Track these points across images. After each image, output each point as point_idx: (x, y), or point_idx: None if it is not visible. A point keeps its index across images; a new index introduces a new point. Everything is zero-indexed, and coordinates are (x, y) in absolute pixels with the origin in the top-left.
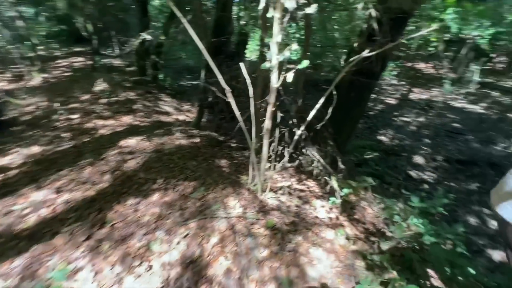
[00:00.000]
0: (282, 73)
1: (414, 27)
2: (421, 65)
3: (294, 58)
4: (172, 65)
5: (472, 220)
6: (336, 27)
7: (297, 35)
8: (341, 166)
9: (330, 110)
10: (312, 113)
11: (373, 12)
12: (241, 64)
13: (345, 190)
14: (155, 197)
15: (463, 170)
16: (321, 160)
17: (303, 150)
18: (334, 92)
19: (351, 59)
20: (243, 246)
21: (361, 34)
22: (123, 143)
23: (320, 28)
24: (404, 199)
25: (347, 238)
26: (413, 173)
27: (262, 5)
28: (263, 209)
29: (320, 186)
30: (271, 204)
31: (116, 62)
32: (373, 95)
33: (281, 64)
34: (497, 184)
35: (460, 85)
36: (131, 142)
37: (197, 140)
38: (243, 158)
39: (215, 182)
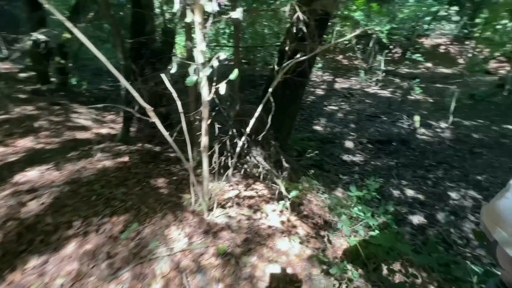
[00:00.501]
0: (213, 84)
1: (330, 23)
2: (340, 57)
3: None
4: (89, 66)
5: (395, 192)
6: (266, 26)
7: (227, 31)
8: (286, 165)
9: (270, 119)
10: (252, 122)
11: (300, 15)
12: (163, 76)
13: (293, 194)
14: (71, 247)
15: (383, 148)
16: (266, 164)
17: (247, 157)
18: (270, 89)
19: (284, 64)
20: (193, 287)
21: (288, 35)
22: (19, 178)
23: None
24: (343, 185)
25: (301, 242)
26: (346, 158)
27: (176, 6)
28: (212, 232)
29: (268, 188)
30: (220, 223)
31: (4, 67)
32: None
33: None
34: (490, 201)
35: (371, 74)
36: (32, 174)
37: (126, 158)
38: (185, 172)
39: (152, 211)
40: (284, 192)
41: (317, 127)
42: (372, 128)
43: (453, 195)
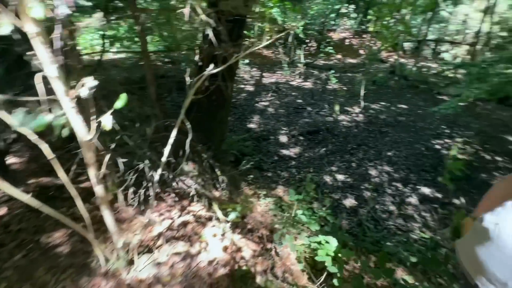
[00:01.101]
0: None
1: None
2: (265, 52)
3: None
4: None
5: (328, 179)
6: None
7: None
8: (223, 178)
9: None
10: (167, 150)
11: (204, 17)
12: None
13: (232, 216)
14: None
15: (313, 139)
16: (197, 185)
17: (176, 180)
18: (182, 112)
19: (198, 77)
20: None
21: (204, 40)
22: None
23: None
24: (283, 182)
25: (247, 270)
26: (282, 153)
27: None
28: None
29: (206, 207)
30: (146, 278)
31: None
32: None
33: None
34: (463, 239)
35: (293, 67)
36: None
37: (4, 210)
38: (97, 209)
39: None
40: (222, 217)
41: (252, 125)
42: (301, 120)
43: (373, 173)
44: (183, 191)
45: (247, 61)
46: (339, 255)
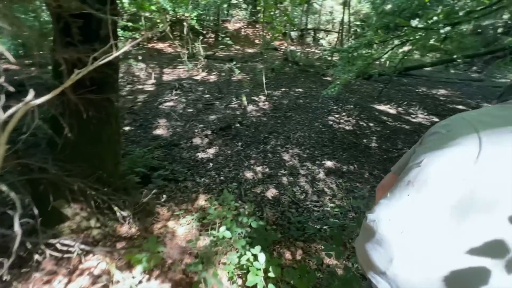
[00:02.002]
0: None
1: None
2: (160, 45)
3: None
4: None
5: (248, 175)
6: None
7: None
8: (122, 213)
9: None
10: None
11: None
12: None
13: (140, 269)
14: None
15: (227, 135)
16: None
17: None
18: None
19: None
20: None
21: (58, 39)
22: None
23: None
24: (204, 190)
25: None
26: (198, 157)
27: None
28: None
29: (104, 254)
30: None
31: None
32: (129, 86)
33: None
34: (357, 238)
35: (195, 61)
36: None
37: None
38: None
39: None
40: (123, 276)
41: (159, 131)
42: (212, 116)
43: (286, 157)
44: (66, 250)
45: (139, 57)
46: (270, 272)
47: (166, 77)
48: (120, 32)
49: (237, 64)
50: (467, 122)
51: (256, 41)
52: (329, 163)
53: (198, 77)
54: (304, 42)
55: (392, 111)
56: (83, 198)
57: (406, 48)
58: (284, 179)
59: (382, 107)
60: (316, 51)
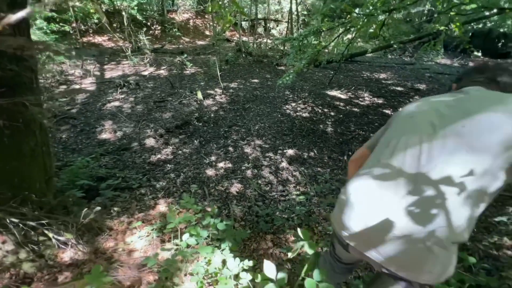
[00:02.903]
0: None
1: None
2: (99, 39)
3: None
4: None
5: (210, 173)
6: None
7: None
8: (58, 238)
9: None
10: None
11: None
12: None
13: None
14: None
15: (184, 132)
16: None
17: None
18: None
19: None
20: None
21: None
22: None
23: None
24: (164, 194)
25: None
26: (153, 160)
27: None
28: None
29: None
30: None
31: None
32: (63, 87)
33: None
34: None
35: (141, 55)
36: None
37: None
38: None
39: None
40: None
41: (105, 135)
42: (165, 114)
43: (248, 150)
44: None
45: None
46: (240, 278)
47: (108, 74)
48: (43, 24)
49: (188, 57)
50: (425, 113)
51: (207, 33)
52: (290, 152)
53: (146, 73)
54: (255, 32)
55: (343, 96)
56: (1, 229)
57: (350, 36)
58: (248, 173)
59: (333, 93)
60: (268, 41)
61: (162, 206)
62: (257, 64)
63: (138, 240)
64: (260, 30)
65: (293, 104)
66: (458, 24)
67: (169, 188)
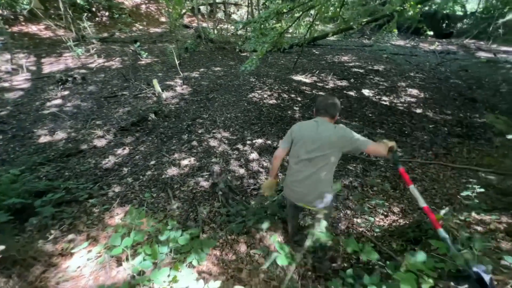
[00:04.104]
0: None
1: None
2: (33, 28)
3: None
4: None
5: (172, 172)
6: None
7: None
8: None
9: None
10: None
11: None
12: None
13: None
14: None
15: (141, 129)
16: None
17: None
18: None
19: None
20: None
21: None
22: None
23: None
24: (120, 203)
25: None
26: (106, 163)
27: None
28: None
29: None
30: None
31: None
32: None
33: None
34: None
35: (86, 45)
36: None
37: None
38: None
39: None
40: None
41: (45, 139)
42: (119, 110)
43: (215, 144)
44: None
45: None
46: None
47: (47, 69)
48: None
49: (143, 45)
50: (298, 128)
51: (163, 19)
52: (259, 141)
53: (94, 65)
54: (215, 17)
55: (308, 80)
56: None
57: (311, 19)
58: (216, 168)
59: (299, 78)
60: (230, 26)
61: (118, 218)
62: (220, 51)
63: (88, 264)
64: (220, 15)
65: (259, 92)
66: (412, 3)
67: (126, 195)
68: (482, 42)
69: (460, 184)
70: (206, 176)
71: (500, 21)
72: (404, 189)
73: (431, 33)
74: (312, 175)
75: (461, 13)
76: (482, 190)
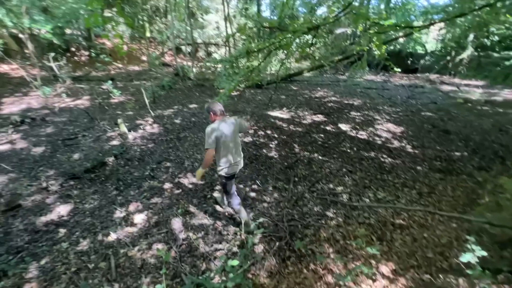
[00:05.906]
0: None
1: None
2: (4, 67)
3: None
4: None
5: (123, 232)
6: None
7: None
8: None
9: None
10: None
11: None
12: None
13: None
14: None
15: (96, 176)
16: None
17: None
18: None
19: None
20: None
21: None
22: None
23: None
24: (47, 282)
25: None
26: (41, 223)
27: None
28: None
29: None
30: None
31: None
32: None
33: None
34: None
35: (58, 84)
36: None
37: None
38: None
39: None
40: None
41: None
42: (75, 154)
43: (179, 191)
44: None
45: None
46: None
47: (7, 109)
48: None
49: (119, 83)
50: (223, 129)
51: (144, 58)
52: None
53: (61, 105)
54: (196, 56)
55: (285, 115)
56: None
57: (283, 56)
58: (177, 225)
59: (275, 113)
60: (209, 64)
61: None
62: (198, 88)
63: None
64: (202, 54)
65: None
66: (378, 43)
67: (54, 269)
68: (445, 76)
69: (451, 230)
70: (163, 234)
71: (457, 58)
72: (391, 240)
73: (399, 69)
74: (240, 155)
75: (422, 52)
76: (485, 254)
